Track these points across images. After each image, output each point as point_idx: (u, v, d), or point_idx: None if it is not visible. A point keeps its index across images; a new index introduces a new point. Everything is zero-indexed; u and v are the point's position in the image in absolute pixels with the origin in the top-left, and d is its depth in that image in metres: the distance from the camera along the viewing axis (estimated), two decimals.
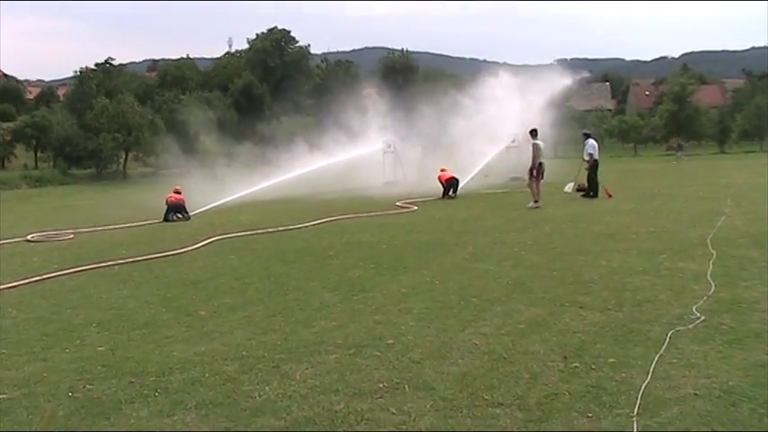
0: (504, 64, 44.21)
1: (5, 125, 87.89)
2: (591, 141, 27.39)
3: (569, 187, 25.72)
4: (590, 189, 26.52)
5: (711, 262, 11.85)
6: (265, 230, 20.15)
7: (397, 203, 27.37)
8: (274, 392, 6.52)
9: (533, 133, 26.55)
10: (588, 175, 26.76)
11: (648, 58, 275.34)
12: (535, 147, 25.30)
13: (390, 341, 8.04)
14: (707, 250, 13.08)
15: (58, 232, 22.36)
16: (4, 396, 6.81)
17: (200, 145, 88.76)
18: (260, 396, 6.46)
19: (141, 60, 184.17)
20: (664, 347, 7.29)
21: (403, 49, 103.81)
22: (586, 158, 26.90)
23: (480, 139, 40.04)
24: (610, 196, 25.99)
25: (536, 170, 24.64)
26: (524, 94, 42.86)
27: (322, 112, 62.09)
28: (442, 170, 31.88)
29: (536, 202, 24.10)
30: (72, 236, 21.65)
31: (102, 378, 7.22)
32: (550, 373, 6.73)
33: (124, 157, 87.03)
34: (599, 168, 27.19)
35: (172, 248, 17.05)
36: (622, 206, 22.70)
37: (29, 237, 21.14)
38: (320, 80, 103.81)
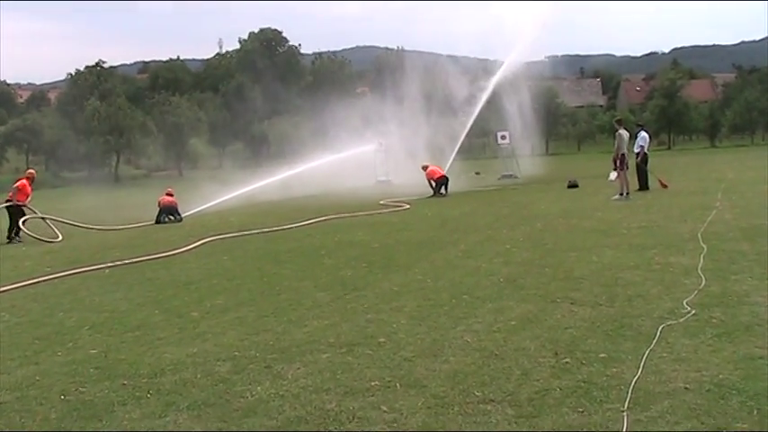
0: (496, 61, 43.99)
1: None
2: (643, 134, 27.06)
3: (613, 176, 25.45)
4: (640, 182, 26.22)
5: (702, 256, 11.88)
6: (258, 231, 20.14)
7: (389, 202, 27.37)
8: (266, 392, 6.53)
9: (619, 123, 26.41)
10: (638, 167, 26.38)
11: (639, 54, 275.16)
12: (618, 137, 24.95)
13: (382, 340, 8.06)
14: (698, 244, 13.12)
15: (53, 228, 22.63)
16: None
17: (192, 146, 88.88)
18: (252, 396, 6.46)
19: (132, 62, 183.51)
20: (654, 342, 7.30)
21: (398, 48, 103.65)
22: (637, 150, 26.58)
23: (469, 137, 40.13)
24: (665, 187, 25.80)
25: (620, 160, 24.29)
26: (515, 90, 43.05)
27: (314, 111, 61.90)
28: (425, 167, 31.79)
29: (621, 195, 23.61)
30: (60, 238, 21.74)
31: (94, 380, 7.21)
32: (541, 369, 6.75)
33: (116, 159, 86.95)
34: (649, 161, 26.97)
35: (164, 250, 17.05)
36: (613, 201, 22.73)
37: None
38: (312, 78, 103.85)
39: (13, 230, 22.10)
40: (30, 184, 23.37)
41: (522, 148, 44.31)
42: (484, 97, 41.92)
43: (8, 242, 21.74)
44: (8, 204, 22.62)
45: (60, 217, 24.60)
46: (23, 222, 21.96)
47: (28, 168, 27.57)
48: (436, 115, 44.85)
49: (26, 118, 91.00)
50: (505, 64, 42.83)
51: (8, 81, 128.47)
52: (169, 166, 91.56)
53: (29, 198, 23.12)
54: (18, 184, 23.46)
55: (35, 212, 23.26)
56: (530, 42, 41.50)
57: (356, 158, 38.43)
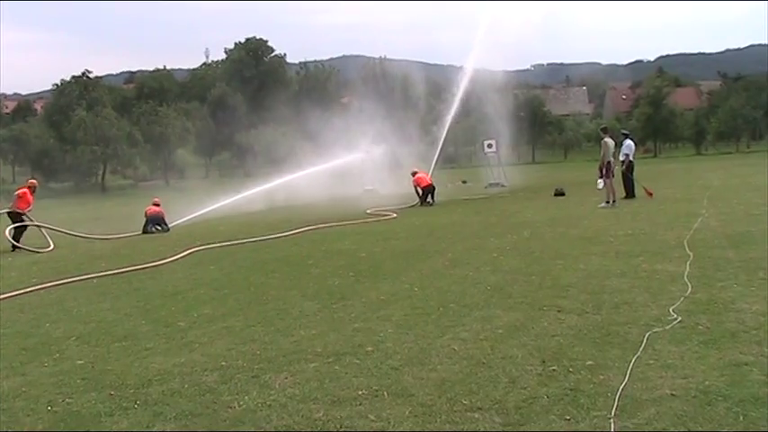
0: (482, 70, 44.05)
1: None
2: (628, 142, 26.78)
3: (600, 184, 25.44)
4: (626, 190, 26.10)
5: (688, 263, 11.92)
6: (245, 240, 20.10)
7: (376, 211, 27.38)
8: (254, 402, 6.52)
9: (605, 131, 26.40)
10: (623, 176, 26.25)
11: (624, 62, 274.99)
12: (604, 144, 24.93)
13: (369, 348, 8.06)
14: (684, 252, 13.16)
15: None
16: None
17: (178, 156, 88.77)
18: (239, 406, 6.45)
19: (118, 72, 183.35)
20: (641, 349, 7.33)
21: (381, 57, 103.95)
22: (621, 159, 26.48)
23: (455, 146, 40.30)
24: (650, 195, 25.66)
25: (605, 168, 24.33)
26: (501, 99, 43.19)
27: (300, 120, 61.91)
28: (414, 172, 31.84)
29: (607, 202, 23.69)
30: (52, 247, 21.88)
31: (81, 391, 7.19)
32: (529, 376, 6.76)
33: (102, 169, 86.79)
34: (635, 169, 26.79)
35: (151, 260, 16.99)
36: (599, 209, 22.79)
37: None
38: (298, 88, 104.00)
39: (15, 236, 22.57)
40: (31, 194, 24.07)
41: (509, 156, 44.39)
42: (454, 105, 42.00)
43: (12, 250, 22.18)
44: (8, 211, 23.48)
45: (53, 227, 24.80)
46: (8, 231, 22.19)
47: (30, 178, 28.48)
48: (420, 124, 45.00)
49: (12, 128, 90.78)
50: (468, 68, 42.94)
51: None
52: (156, 176, 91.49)
53: (30, 207, 23.74)
54: (19, 192, 24.19)
55: (32, 220, 23.86)
56: (489, 48, 41.53)
57: (343, 167, 38.45)
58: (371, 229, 21.99)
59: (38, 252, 21.20)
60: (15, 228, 22.61)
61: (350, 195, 35.62)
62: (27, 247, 21.77)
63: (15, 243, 22.01)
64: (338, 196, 34.72)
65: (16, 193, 24.43)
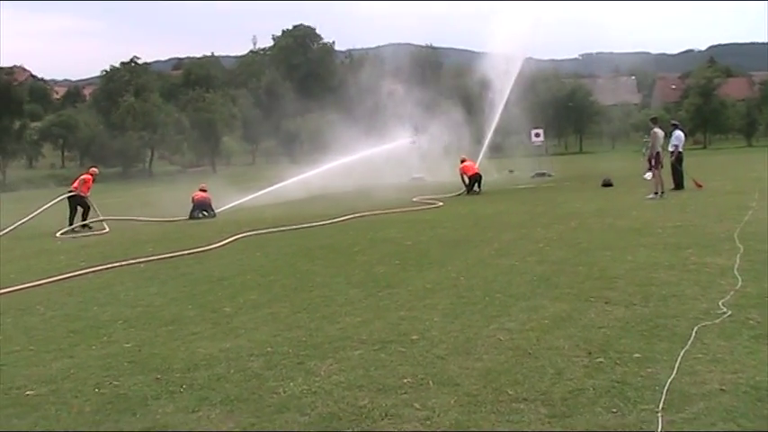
0: (530, 59, 43.69)
1: (33, 125, 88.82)
2: (677, 133, 26.38)
3: (648, 175, 25.13)
4: (675, 181, 25.73)
5: (738, 256, 11.73)
6: (291, 227, 20.16)
7: (422, 199, 27.33)
8: (299, 388, 6.54)
9: (654, 121, 26.13)
10: (673, 167, 25.86)
11: (675, 52, 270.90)
12: (653, 135, 24.67)
13: (415, 337, 8.04)
14: (734, 245, 12.96)
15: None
16: (32, 392, 6.88)
17: (225, 143, 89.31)
18: (284, 392, 6.47)
19: (166, 59, 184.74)
20: (689, 342, 7.22)
21: (429, 45, 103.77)
22: (671, 150, 26.15)
23: (501, 135, 39.97)
24: (700, 187, 25.36)
25: (654, 159, 24.09)
26: (548, 88, 42.83)
27: (347, 108, 61.91)
28: (463, 160, 31.73)
29: (656, 194, 23.30)
30: (107, 230, 23.13)
31: (128, 374, 7.27)
32: (575, 368, 6.70)
33: (150, 155, 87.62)
34: (684, 160, 26.40)
35: (198, 246, 17.12)
36: (647, 201, 22.54)
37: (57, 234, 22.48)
38: (345, 75, 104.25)
39: (74, 219, 24.06)
40: (91, 181, 25.39)
41: (556, 146, 44.04)
42: (504, 94, 41.60)
43: (71, 229, 23.57)
44: (71, 194, 24.49)
45: (110, 214, 25.79)
46: (71, 228, 23.44)
47: (92, 167, 29.56)
48: (469, 112, 44.71)
49: (62, 114, 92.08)
50: (517, 57, 42.43)
51: (45, 77, 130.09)
52: (203, 162, 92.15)
53: (89, 192, 25.01)
54: (84, 176, 25.47)
55: (96, 211, 24.91)
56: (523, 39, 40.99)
57: (390, 156, 38.34)
58: (418, 217, 21.96)
59: (89, 235, 21.74)
60: (81, 219, 24.10)
61: (397, 183, 35.53)
62: (72, 231, 22.73)
63: (84, 222, 23.95)
64: (385, 184, 34.60)
65: (82, 177, 25.46)
